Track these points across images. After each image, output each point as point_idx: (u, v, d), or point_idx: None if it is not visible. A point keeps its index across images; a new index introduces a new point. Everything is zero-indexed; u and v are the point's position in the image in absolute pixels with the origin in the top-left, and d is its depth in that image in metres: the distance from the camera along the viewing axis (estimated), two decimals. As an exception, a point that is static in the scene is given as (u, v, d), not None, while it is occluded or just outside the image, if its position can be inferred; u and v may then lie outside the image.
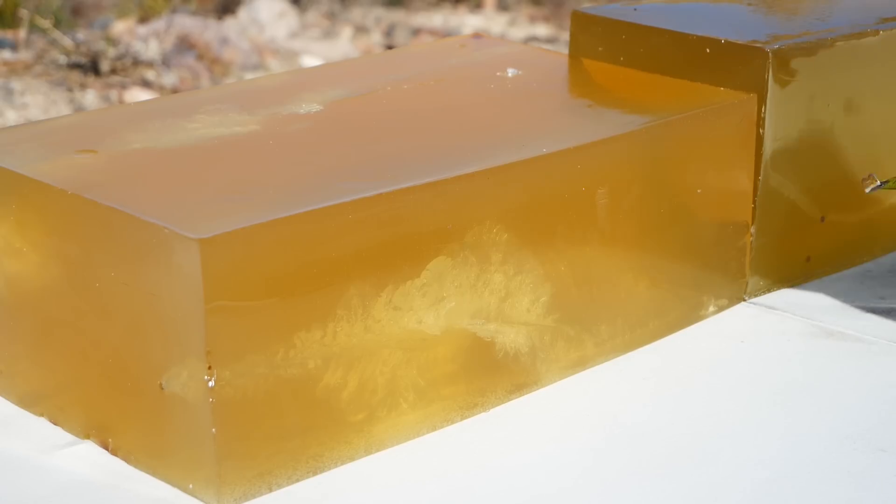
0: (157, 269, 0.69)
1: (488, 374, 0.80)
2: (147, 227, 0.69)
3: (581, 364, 0.85)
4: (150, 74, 2.95)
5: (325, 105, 0.90)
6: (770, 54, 0.92)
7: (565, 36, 3.15)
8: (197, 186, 0.75)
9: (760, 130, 0.93)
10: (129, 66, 2.93)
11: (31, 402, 0.78)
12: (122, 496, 0.70)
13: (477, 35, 1.10)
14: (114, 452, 0.73)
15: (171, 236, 0.68)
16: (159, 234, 0.68)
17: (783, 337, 0.91)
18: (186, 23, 3.29)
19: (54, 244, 0.74)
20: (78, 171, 0.76)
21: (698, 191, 0.91)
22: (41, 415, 0.77)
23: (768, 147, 0.93)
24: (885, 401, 0.82)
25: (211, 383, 0.67)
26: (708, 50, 0.95)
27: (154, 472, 0.71)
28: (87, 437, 0.75)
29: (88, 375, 0.74)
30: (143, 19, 3.45)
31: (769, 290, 0.97)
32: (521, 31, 4.08)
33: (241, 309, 0.68)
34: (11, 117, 2.62)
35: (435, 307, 0.76)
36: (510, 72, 0.98)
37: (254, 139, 0.82)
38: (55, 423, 0.77)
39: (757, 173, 0.94)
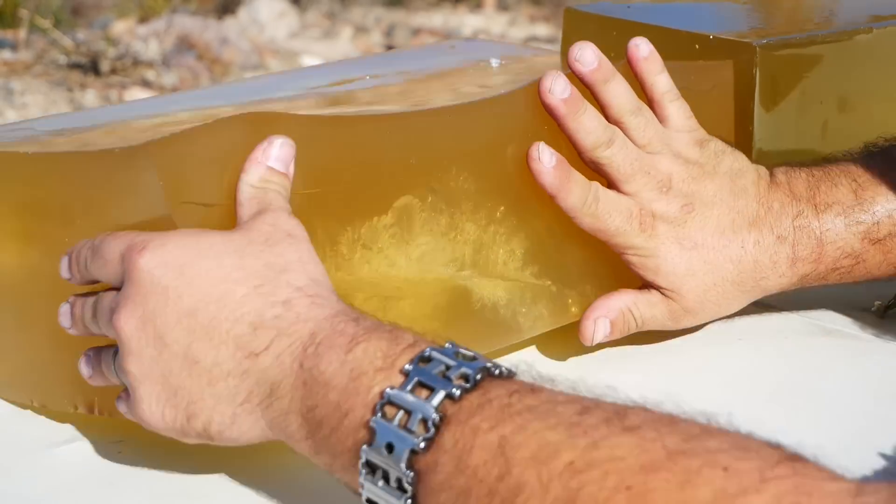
0: (121, 198, 0.69)
1: (468, 326, 0.80)
2: (102, 157, 0.70)
3: (565, 319, 0.85)
4: (150, 74, 2.95)
5: (305, 89, 0.90)
6: (758, 49, 0.92)
7: (565, 35, 3.14)
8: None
9: (750, 127, 0.93)
10: (129, 66, 2.93)
11: (17, 385, 0.78)
12: (121, 493, 0.70)
13: (470, 40, 1.12)
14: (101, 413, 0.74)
15: (122, 155, 0.68)
16: (113, 157, 0.69)
17: (781, 335, 0.91)
18: (186, 23, 3.29)
19: (23, 223, 0.74)
20: (44, 146, 0.77)
21: None
22: (29, 400, 0.77)
23: (757, 142, 0.93)
24: (883, 399, 0.82)
25: None
26: (697, 46, 0.95)
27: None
28: (75, 409, 0.75)
29: (73, 351, 0.74)
30: (143, 19, 3.46)
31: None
32: (521, 31, 4.08)
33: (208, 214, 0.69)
34: (11, 117, 2.62)
35: (405, 250, 0.76)
36: (493, 62, 0.99)
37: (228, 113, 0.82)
38: (44, 406, 0.77)
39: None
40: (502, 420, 0.56)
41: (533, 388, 0.58)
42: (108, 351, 0.69)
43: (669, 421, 0.54)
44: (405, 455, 0.57)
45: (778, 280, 0.85)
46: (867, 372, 0.86)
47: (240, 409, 0.64)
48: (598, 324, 0.83)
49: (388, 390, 0.59)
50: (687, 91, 0.88)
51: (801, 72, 0.95)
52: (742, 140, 0.93)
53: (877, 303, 0.93)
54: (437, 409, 0.58)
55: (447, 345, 0.61)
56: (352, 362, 0.61)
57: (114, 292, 0.67)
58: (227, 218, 0.70)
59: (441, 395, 0.58)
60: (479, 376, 0.59)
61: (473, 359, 0.60)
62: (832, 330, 0.91)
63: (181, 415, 0.65)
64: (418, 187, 0.77)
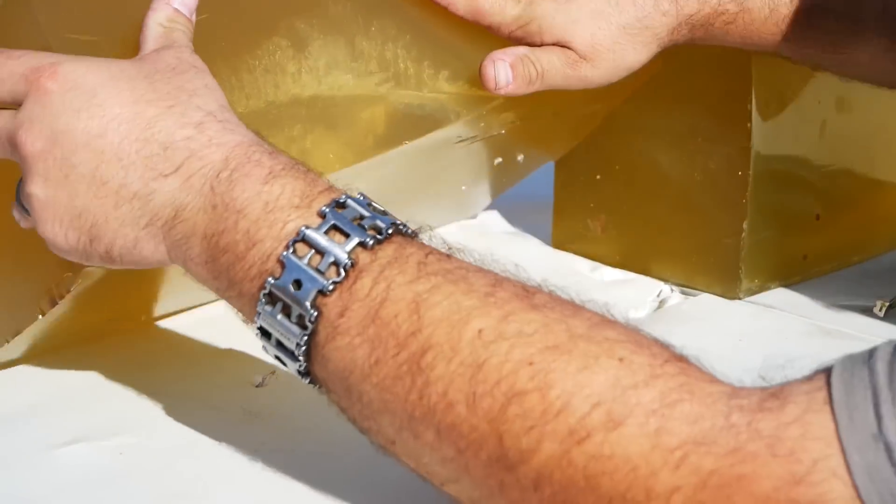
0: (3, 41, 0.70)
1: (400, 126, 0.82)
2: None
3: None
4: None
5: None
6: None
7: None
8: None
9: (748, 126, 0.93)
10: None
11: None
12: (121, 494, 0.69)
13: None
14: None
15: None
16: None
17: (781, 335, 0.91)
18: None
19: None
20: None
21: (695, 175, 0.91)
22: (4, 339, 0.77)
23: (757, 142, 0.94)
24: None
25: None
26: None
27: None
28: (42, 314, 0.75)
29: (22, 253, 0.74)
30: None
31: (766, 289, 0.97)
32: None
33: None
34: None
35: (310, 69, 0.78)
36: None
37: None
38: (17, 332, 0.77)
39: (746, 168, 0.94)
40: (418, 278, 0.59)
41: (448, 254, 0.62)
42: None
43: (572, 306, 0.58)
44: (312, 294, 0.60)
45: (662, 19, 0.87)
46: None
47: (142, 233, 0.65)
48: (498, 65, 0.85)
49: (303, 228, 0.61)
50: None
51: (799, 72, 0.95)
52: (740, 141, 0.94)
53: (878, 302, 0.93)
54: (349, 254, 0.60)
55: (358, 195, 0.63)
56: (267, 195, 0.62)
57: (9, 112, 0.67)
58: (110, 53, 0.70)
59: (355, 241, 0.60)
60: (390, 230, 0.61)
61: (384, 213, 0.62)
62: (832, 331, 0.91)
63: (84, 237, 0.66)
64: (299, 11, 0.78)
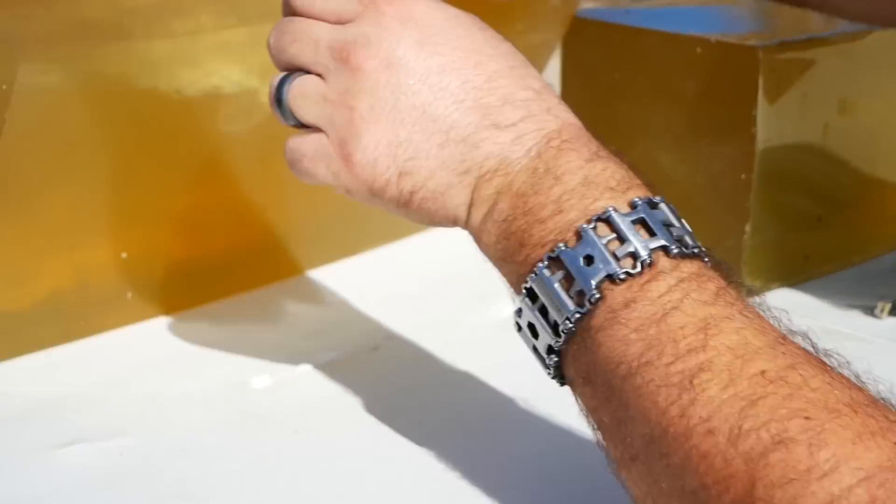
0: None
1: None
2: None
3: None
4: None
5: None
6: (760, 52, 0.92)
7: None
8: None
9: (753, 129, 0.93)
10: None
11: None
12: (121, 495, 0.69)
13: None
14: None
15: None
16: None
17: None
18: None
19: None
20: None
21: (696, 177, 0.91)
22: None
23: (761, 145, 0.94)
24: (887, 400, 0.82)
25: None
26: (699, 49, 0.95)
27: None
28: None
29: None
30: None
31: (768, 290, 0.97)
32: (520, 35, 4.07)
33: None
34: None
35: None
36: None
37: None
38: None
39: (750, 170, 0.94)
40: (714, 302, 0.56)
41: (747, 294, 0.59)
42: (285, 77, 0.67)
43: (855, 378, 0.56)
44: (600, 276, 0.58)
45: None
46: (870, 373, 0.85)
47: (456, 179, 0.64)
48: None
49: (611, 209, 0.59)
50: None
51: (804, 74, 0.96)
52: (743, 144, 0.94)
53: (880, 304, 0.93)
54: (650, 252, 0.58)
55: (670, 206, 0.61)
56: (588, 170, 0.61)
57: (333, 25, 0.66)
58: None
59: (660, 242, 0.58)
60: (695, 249, 0.59)
61: (692, 233, 0.60)
62: (834, 331, 0.91)
63: (395, 168, 0.64)
64: None
